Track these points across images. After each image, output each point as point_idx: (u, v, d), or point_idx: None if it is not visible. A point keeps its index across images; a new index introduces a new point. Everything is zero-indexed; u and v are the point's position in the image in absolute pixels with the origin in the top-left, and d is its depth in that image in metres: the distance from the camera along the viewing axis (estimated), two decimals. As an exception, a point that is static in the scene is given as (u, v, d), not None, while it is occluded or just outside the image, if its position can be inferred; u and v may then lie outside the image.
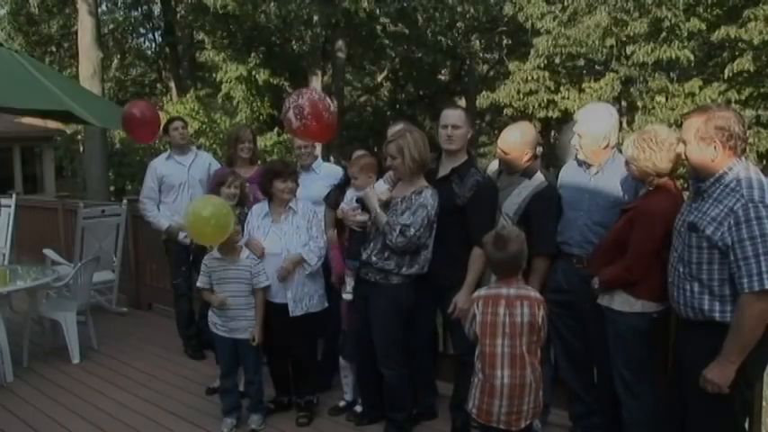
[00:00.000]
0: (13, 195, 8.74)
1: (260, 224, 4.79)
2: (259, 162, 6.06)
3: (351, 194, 4.76)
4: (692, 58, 18.09)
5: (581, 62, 20.09)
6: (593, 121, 4.06)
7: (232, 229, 4.52)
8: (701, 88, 18.39)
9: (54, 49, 26.98)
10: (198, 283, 4.82)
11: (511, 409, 3.54)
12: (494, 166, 4.67)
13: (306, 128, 5.00)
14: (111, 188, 20.97)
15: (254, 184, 5.36)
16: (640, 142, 3.63)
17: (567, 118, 23.21)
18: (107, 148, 19.95)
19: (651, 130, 3.70)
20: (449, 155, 4.46)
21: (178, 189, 6.35)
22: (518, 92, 20.97)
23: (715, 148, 3.14)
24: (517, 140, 4.29)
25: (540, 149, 4.52)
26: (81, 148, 22.67)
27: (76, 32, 20.08)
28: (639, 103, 20.12)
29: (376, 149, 4.96)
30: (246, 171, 5.70)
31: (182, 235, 6.01)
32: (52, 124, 21.37)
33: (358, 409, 4.93)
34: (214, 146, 19.80)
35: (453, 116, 4.43)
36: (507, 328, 3.52)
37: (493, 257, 3.63)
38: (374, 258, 4.33)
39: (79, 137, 23.44)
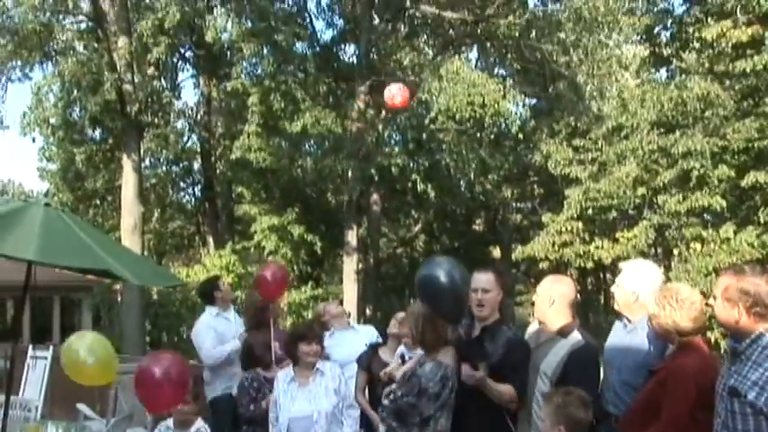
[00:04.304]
0: (51, 347, 8.80)
1: (286, 389, 4.72)
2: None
3: (400, 351, 4.79)
4: (723, 204, 18.12)
5: (613, 213, 20.21)
6: (628, 275, 4.17)
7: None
8: (735, 233, 18.27)
9: (98, 202, 27.90)
10: None
11: None
12: (533, 327, 4.59)
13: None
14: (147, 338, 21.06)
15: None
16: (661, 299, 3.63)
17: (601, 268, 23.16)
18: (145, 298, 20.21)
19: (673, 288, 3.72)
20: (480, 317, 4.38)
21: None
22: (553, 244, 21.00)
23: (737, 311, 3.10)
24: (551, 312, 4.24)
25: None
26: (119, 298, 23.00)
27: (120, 187, 20.84)
28: (675, 251, 20.02)
29: (412, 300, 5.00)
30: None
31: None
32: (92, 275, 21.75)
33: None
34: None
35: (482, 280, 4.27)
36: None
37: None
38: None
39: (117, 287, 23.81)
